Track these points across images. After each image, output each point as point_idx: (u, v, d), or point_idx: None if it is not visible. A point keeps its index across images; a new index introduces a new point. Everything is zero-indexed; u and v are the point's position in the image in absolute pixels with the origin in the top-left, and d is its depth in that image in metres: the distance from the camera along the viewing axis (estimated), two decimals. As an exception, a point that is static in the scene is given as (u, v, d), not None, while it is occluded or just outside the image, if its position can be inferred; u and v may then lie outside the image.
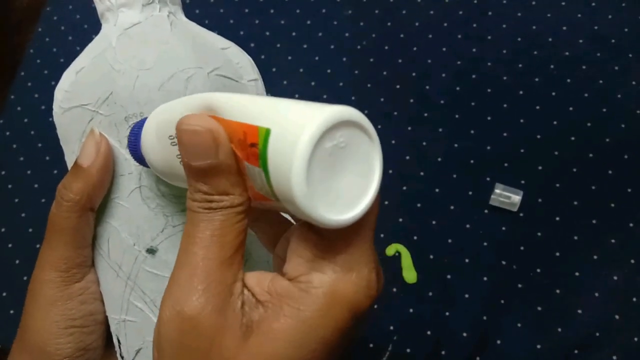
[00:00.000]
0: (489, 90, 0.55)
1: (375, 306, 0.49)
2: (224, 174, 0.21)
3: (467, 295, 0.49)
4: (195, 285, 0.21)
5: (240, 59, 0.31)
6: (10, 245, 0.54)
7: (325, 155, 0.18)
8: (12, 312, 0.51)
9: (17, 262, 0.53)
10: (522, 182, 0.51)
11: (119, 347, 0.30)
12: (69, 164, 0.31)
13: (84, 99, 0.29)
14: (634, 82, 0.54)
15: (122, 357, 0.30)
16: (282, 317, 0.21)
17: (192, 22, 0.31)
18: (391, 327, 0.49)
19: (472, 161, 0.53)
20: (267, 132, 0.18)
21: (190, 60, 0.28)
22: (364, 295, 0.21)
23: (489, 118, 0.54)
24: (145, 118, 0.26)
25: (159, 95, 0.28)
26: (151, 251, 0.29)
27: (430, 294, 0.49)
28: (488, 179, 0.52)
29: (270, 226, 0.27)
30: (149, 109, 0.27)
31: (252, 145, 0.19)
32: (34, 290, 0.30)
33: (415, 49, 0.57)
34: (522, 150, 0.53)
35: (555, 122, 0.53)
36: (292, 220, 0.27)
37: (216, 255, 0.21)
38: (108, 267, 0.30)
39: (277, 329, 0.20)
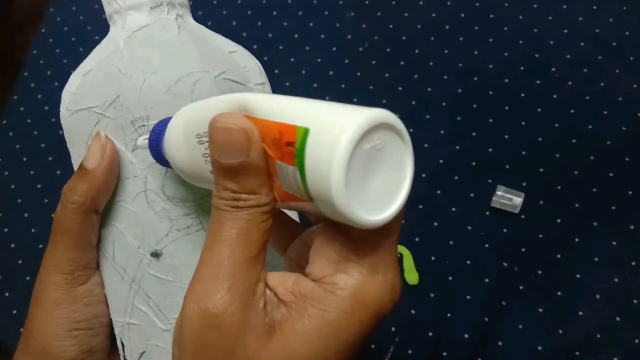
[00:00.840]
0: (490, 92, 0.55)
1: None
2: (253, 173, 0.21)
3: (468, 297, 0.49)
4: (221, 283, 0.21)
5: (247, 62, 0.31)
6: (13, 246, 0.54)
7: (363, 157, 0.19)
8: (14, 312, 0.52)
9: (19, 262, 0.53)
10: (524, 184, 0.52)
11: (123, 350, 0.30)
12: (75, 166, 0.31)
13: (91, 102, 0.29)
14: (635, 85, 0.54)
15: None
16: (307, 317, 0.21)
17: (200, 25, 0.31)
18: (393, 328, 0.49)
19: (473, 163, 0.53)
20: (306, 131, 0.19)
21: (197, 63, 0.29)
22: (388, 298, 0.21)
23: (490, 120, 0.54)
24: (169, 118, 0.26)
25: (166, 99, 0.28)
26: (156, 255, 0.29)
27: (432, 295, 0.49)
28: (490, 181, 0.52)
29: (280, 229, 0.27)
30: (156, 112, 0.28)
31: (288, 144, 0.19)
32: (38, 292, 0.30)
33: (417, 51, 0.57)
34: (523, 153, 0.53)
35: (556, 125, 0.53)
36: (302, 220, 0.28)
37: (241, 254, 0.21)
38: (113, 269, 0.30)
39: (301, 330, 0.21)
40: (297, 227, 0.27)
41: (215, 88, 0.29)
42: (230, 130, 0.21)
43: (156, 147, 0.27)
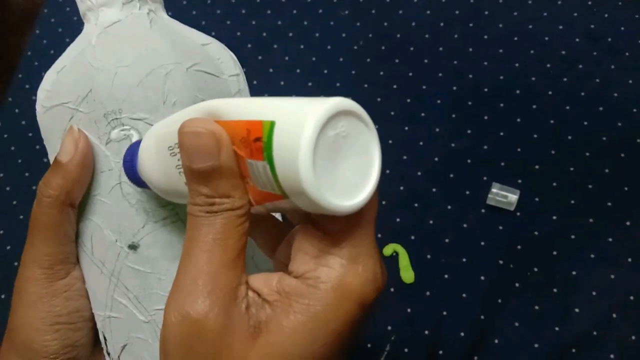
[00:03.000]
0: (485, 89, 0.55)
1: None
2: (225, 176, 0.21)
3: (464, 295, 0.49)
4: (200, 289, 0.21)
5: (221, 54, 0.31)
6: (8, 248, 0.54)
7: (328, 144, 0.19)
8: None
9: (15, 264, 0.53)
10: (519, 181, 0.52)
11: (105, 344, 0.31)
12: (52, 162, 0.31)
13: (65, 98, 0.30)
14: (630, 81, 0.54)
15: (109, 354, 0.31)
16: (292, 314, 0.21)
17: (173, 20, 0.32)
18: (389, 327, 0.49)
19: (469, 160, 0.53)
20: (272, 124, 0.19)
21: (169, 56, 0.29)
22: (371, 287, 0.22)
23: (485, 117, 0.54)
24: (141, 140, 0.26)
25: (138, 91, 0.28)
26: (133, 247, 0.29)
27: (428, 293, 0.49)
28: (485, 178, 0.52)
29: (269, 232, 0.27)
30: (128, 105, 0.28)
31: (256, 139, 0.20)
32: (19, 288, 0.30)
33: (412, 48, 0.57)
34: (518, 150, 0.53)
35: (552, 121, 0.53)
36: (290, 222, 0.28)
37: (219, 258, 0.21)
38: (92, 263, 0.30)
39: (287, 326, 0.21)
40: (286, 229, 0.27)
41: (188, 79, 0.29)
42: (198, 134, 0.21)
43: (131, 169, 0.27)
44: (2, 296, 0.52)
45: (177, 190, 0.24)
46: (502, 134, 0.53)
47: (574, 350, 0.47)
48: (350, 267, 0.21)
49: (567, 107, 0.54)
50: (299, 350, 0.21)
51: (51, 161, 0.31)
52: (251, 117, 0.20)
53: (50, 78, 0.31)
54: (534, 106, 0.54)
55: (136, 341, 0.29)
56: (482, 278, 0.49)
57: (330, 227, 0.22)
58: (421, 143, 0.54)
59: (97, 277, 0.30)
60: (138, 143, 0.27)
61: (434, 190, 0.52)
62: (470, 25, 0.57)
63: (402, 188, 0.52)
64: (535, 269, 0.49)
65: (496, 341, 0.48)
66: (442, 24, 0.58)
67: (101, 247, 0.30)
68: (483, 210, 0.51)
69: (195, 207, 0.22)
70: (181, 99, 0.29)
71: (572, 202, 0.51)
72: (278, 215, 0.30)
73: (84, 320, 0.31)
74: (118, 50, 0.29)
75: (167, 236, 0.29)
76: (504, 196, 0.51)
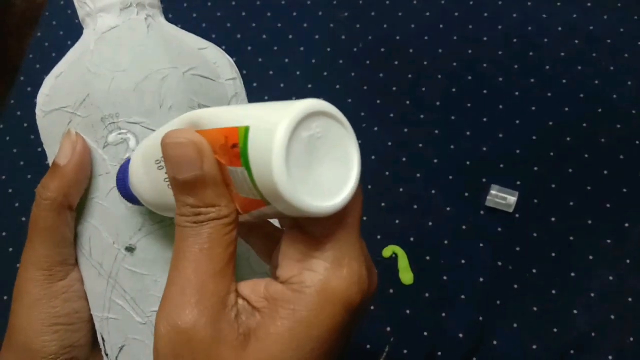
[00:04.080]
0: (484, 91, 0.55)
1: (372, 307, 0.49)
2: (209, 186, 0.21)
3: (463, 296, 0.49)
4: (188, 299, 0.21)
5: (218, 58, 0.32)
6: (11, 250, 0.54)
7: (303, 145, 0.19)
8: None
9: (17, 266, 0.53)
10: (518, 183, 0.52)
11: (104, 345, 0.31)
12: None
13: (63, 102, 0.30)
14: (629, 83, 0.54)
15: (107, 355, 0.31)
16: (279, 320, 0.21)
17: (171, 25, 0.32)
18: (388, 329, 0.49)
19: (468, 162, 0.53)
20: (247, 129, 0.19)
21: (166, 61, 0.29)
22: (356, 290, 0.21)
23: (484, 119, 0.54)
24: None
25: (134, 96, 0.29)
26: (130, 249, 0.29)
27: (427, 295, 0.50)
28: (484, 180, 0.52)
29: (265, 238, 0.28)
30: (125, 109, 0.28)
31: (233, 146, 0.20)
32: (19, 289, 0.31)
33: (411, 50, 0.57)
34: (517, 151, 0.53)
35: (550, 123, 0.53)
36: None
37: (207, 268, 0.21)
38: (90, 266, 0.31)
39: (274, 333, 0.21)
40: (281, 235, 0.28)
41: (184, 84, 0.29)
42: (180, 144, 0.21)
43: (123, 186, 0.27)
44: (5, 297, 0.53)
45: (166, 204, 0.25)
46: (501, 135, 0.53)
47: (572, 352, 0.47)
48: (334, 271, 0.21)
49: (567, 109, 0.54)
50: (287, 357, 0.21)
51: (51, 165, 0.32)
52: (228, 124, 0.20)
53: (49, 83, 0.31)
54: (533, 108, 0.54)
55: (133, 342, 0.30)
56: (481, 280, 0.50)
57: (315, 231, 0.22)
58: (420, 145, 0.54)
59: (96, 279, 0.30)
60: (129, 161, 0.27)
61: (433, 192, 0.52)
62: (470, 27, 0.57)
63: (401, 190, 0.53)
64: (534, 271, 0.49)
65: (495, 342, 0.48)
66: (441, 26, 0.58)
67: (99, 249, 0.30)
68: (482, 212, 0.51)
69: (182, 217, 0.22)
70: (177, 102, 0.29)
71: (571, 203, 0.51)
72: (276, 222, 0.31)
73: (83, 321, 0.31)
74: (115, 55, 0.29)
75: (164, 239, 0.29)
76: (503, 198, 0.51)
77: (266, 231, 0.28)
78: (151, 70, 0.29)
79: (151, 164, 0.24)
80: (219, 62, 0.32)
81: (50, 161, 0.32)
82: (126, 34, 0.30)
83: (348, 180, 0.21)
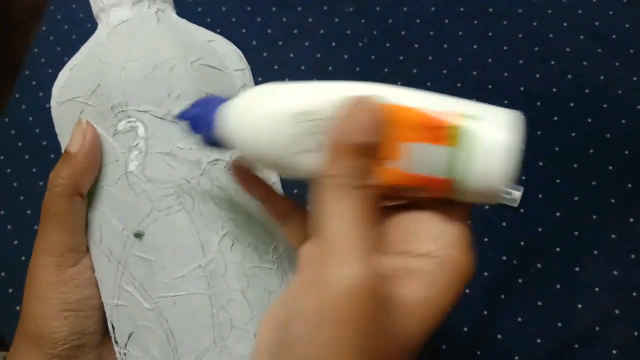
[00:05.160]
0: (489, 86, 0.55)
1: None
2: (374, 154, 0.23)
3: (467, 291, 0.49)
4: (361, 256, 0.21)
5: (226, 50, 0.33)
6: (16, 242, 0.54)
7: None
8: (17, 308, 0.52)
9: (22, 258, 0.54)
10: (523, 177, 0.52)
11: (113, 332, 0.31)
12: None
13: (76, 92, 0.31)
14: (635, 78, 0.54)
15: (117, 343, 0.31)
16: (417, 288, 0.23)
17: (181, 19, 0.33)
18: (392, 322, 0.49)
19: (472, 157, 0.53)
20: (473, 117, 0.23)
21: (174, 51, 0.30)
22: (472, 266, 0.25)
23: (489, 114, 0.54)
24: (220, 98, 0.27)
25: (144, 85, 0.30)
26: (138, 235, 0.30)
27: (431, 289, 0.50)
28: (489, 175, 0.52)
29: (300, 226, 0.29)
30: (134, 98, 0.30)
31: (438, 127, 0.22)
32: (30, 276, 0.31)
33: (416, 45, 0.57)
34: (522, 146, 0.53)
35: (555, 118, 0.53)
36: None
37: (365, 231, 0.22)
38: (100, 252, 0.31)
39: (413, 302, 0.23)
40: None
41: (192, 73, 0.30)
42: (370, 110, 0.23)
43: (206, 126, 0.26)
44: (10, 290, 0.53)
45: (279, 157, 0.25)
46: (506, 130, 0.53)
47: (576, 346, 0.47)
48: (467, 252, 0.24)
49: (571, 105, 0.54)
50: (423, 329, 0.23)
51: None
52: (441, 108, 0.23)
53: (63, 75, 0.32)
54: (538, 103, 0.54)
55: (141, 329, 0.30)
56: (486, 274, 0.50)
57: (452, 214, 0.24)
58: (425, 140, 0.54)
59: (106, 265, 0.31)
60: (213, 100, 0.27)
61: (437, 186, 0.52)
62: (475, 22, 0.57)
63: (406, 184, 0.53)
64: (539, 265, 0.50)
65: (499, 336, 0.48)
66: (446, 21, 0.58)
67: (109, 236, 0.31)
68: (487, 207, 0.51)
69: (339, 179, 0.22)
70: (185, 91, 0.30)
71: (576, 198, 0.51)
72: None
73: (93, 308, 0.32)
74: (126, 46, 0.30)
75: (171, 225, 0.30)
76: (507, 193, 0.51)
77: (301, 217, 0.29)
78: (160, 60, 0.30)
79: (283, 115, 0.24)
80: (227, 53, 0.33)
81: (63, 151, 0.33)
82: (137, 26, 0.31)
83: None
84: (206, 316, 0.29)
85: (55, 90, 0.33)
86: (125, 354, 0.31)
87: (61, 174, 0.30)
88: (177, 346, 0.29)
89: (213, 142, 0.27)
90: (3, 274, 0.53)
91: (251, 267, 0.30)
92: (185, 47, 0.31)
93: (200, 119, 0.27)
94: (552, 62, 0.55)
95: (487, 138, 0.22)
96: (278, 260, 0.32)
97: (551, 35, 0.56)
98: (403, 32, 0.58)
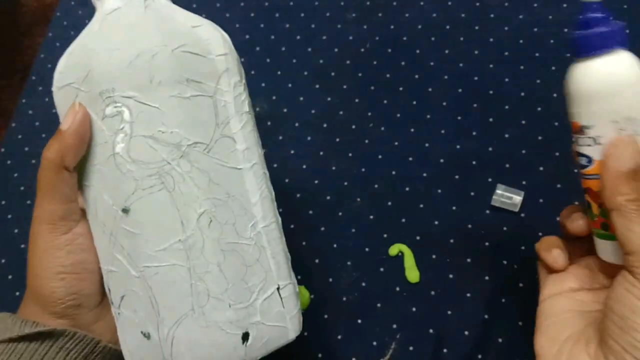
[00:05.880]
0: (490, 92, 0.55)
1: (379, 305, 0.50)
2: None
3: (468, 294, 0.50)
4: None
5: (210, 35, 0.35)
6: (16, 231, 0.55)
7: None
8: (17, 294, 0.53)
9: (22, 246, 0.54)
10: (524, 182, 0.52)
11: (110, 294, 0.35)
12: None
13: (71, 78, 0.34)
14: (635, 83, 0.54)
15: (112, 303, 0.35)
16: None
17: (171, 5, 0.35)
18: (394, 325, 0.49)
19: (474, 162, 0.53)
20: None
21: (157, 39, 0.32)
22: None
23: (490, 119, 0.55)
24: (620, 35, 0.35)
25: (128, 72, 0.32)
26: (125, 211, 0.33)
27: (433, 292, 0.50)
28: (490, 179, 0.53)
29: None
30: (120, 84, 0.32)
31: None
32: (31, 241, 0.35)
33: (418, 51, 0.58)
34: (523, 151, 0.53)
35: (556, 123, 0.54)
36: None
37: None
38: (97, 224, 0.35)
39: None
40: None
41: (173, 60, 0.32)
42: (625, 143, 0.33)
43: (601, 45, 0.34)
44: (9, 277, 0.54)
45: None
46: (507, 135, 0.54)
47: (577, 350, 0.47)
48: None
49: (572, 110, 0.54)
50: None
51: None
52: None
53: (62, 61, 0.35)
54: (539, 108, 0.54)
55: (131, 293, 0.33)
56: (487, 278, 0.50)
57: None
58: (427, 145, 0.54)
59: (101, 236, 0.34)
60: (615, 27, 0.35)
61: (439, 191, 0.53)
62: (476, 28, 0.58)
63: (407, 189, 0.53)
64: (539, 270, 0.50)
65: (500, 340, 0.48)
66: (448, 27, 0.58)
67: (102, 209, 0.34)
68: (488, 212, 0.52)
69: (630, 203, 0.31)
70: (166, 78, 0.32)
71: (576, 203, 0.51)
72: None
73: (89, 272, 0.35)
74: (113, 35, 0.33)
75: (154, 202, 0.32)
76: (508, 197, 0.51)
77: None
78: (143, 48, 0.32)
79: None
80: (211, 38, 0.34)
81: None
82: (125, 14, 0.33)
83: None
84: (185, 286, 0.32)
85: (56, 75, 0.35)
86: (119, 313, 0.35)
87: (50, 149, 0.33)
88: (160, 310, 0.32)
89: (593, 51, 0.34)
90: (3, 260, 0.54)
91: (228, 243, 0.33)
92: (168, 35, 0.33)
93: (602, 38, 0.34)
94: (553, 68, 0.56)
95: None
96: (256, 237, 0.34)
97: (552, 41, 0.57)
98: (405, 38, 0.58)
